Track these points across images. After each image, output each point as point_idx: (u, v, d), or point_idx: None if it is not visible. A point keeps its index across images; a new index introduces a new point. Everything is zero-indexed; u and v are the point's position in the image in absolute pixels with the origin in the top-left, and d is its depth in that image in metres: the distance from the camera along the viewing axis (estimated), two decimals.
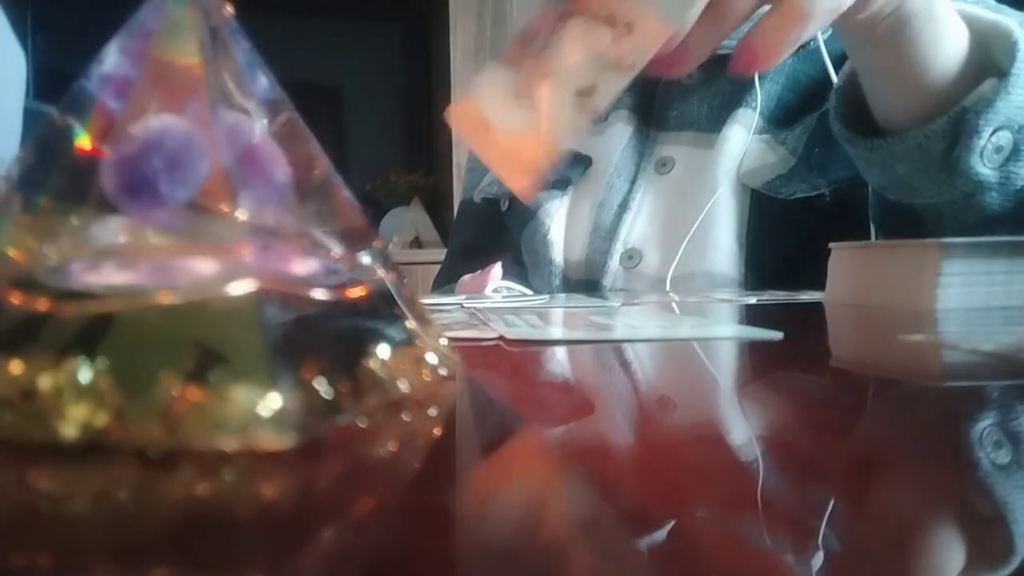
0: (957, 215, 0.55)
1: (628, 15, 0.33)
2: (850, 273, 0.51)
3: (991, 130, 0.49)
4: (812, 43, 0.70)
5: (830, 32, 0.74)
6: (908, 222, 0.60)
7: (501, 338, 0.33)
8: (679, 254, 0.71)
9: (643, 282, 0.75)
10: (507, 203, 0.86)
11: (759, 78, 0.73)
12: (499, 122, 0.33)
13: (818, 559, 0.10)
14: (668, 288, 0.71)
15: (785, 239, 0.70)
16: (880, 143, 0.54)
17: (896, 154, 0.53)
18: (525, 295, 0.68)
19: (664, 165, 0.78)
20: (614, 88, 0.34)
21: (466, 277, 0.80)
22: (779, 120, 0.74)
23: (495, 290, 0.71)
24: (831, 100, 0.59)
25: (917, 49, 0.49)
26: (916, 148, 0.52)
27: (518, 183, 0.33)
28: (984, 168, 0.51)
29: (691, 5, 0.36)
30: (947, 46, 0.50)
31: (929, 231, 0.58)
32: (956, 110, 0.50)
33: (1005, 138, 0.50)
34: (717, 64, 0.78)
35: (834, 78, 0.64)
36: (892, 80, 0.52)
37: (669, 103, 0.80)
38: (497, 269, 0.75)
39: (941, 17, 0.49)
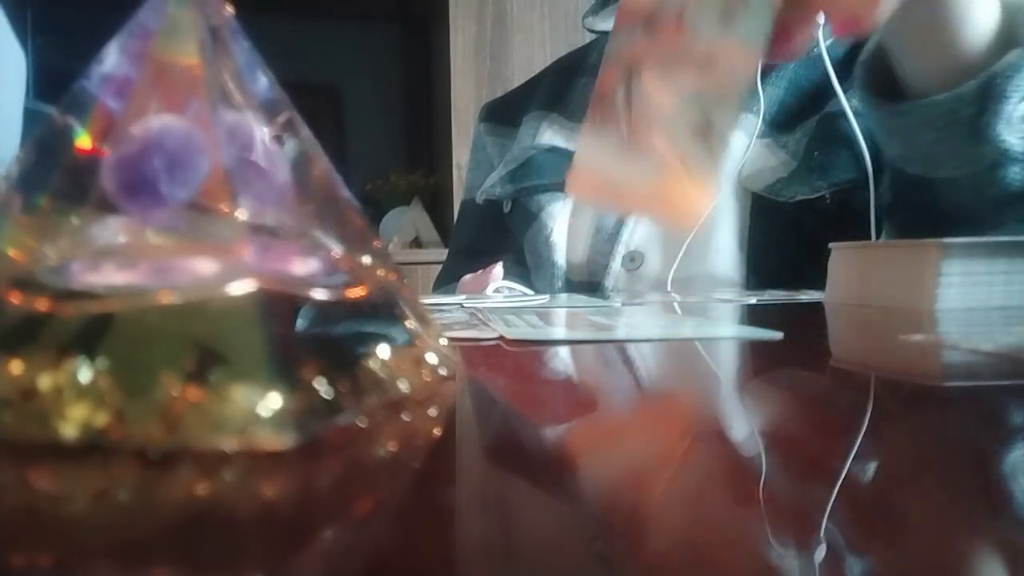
0: (978, 188, 0.55)
1: (705, 53, 0.34)
2: (850, 273, 0.51)
3: (1019, 97, 0.50)
4: (815, 48, 0.70)
5: (830, 40, 0.75)
6: (922, 203, 0.59)
7: (501, 338, 0.33)
8: (680, 256, 0.71)
9: (645, 284, 0.75)
10: (510, 205, 0.86)
11: (761, 83, 0.74)
12: (629, 177, 0.34)
13: (820, 555, 0.10)
14: (669, 291, 0.71)
15: (786, 242, 0.70)
16: (908, 107, 0.54)
17: (925, 118, 0.54)
18: (526, 295, 0.69)
19: None
20: (730, 116, 0.35)
21: (467, 277, 0.80)
22: (780, 124, 0.75)
23: (496, 290, 0.71)
24: (856, 72, 0.60)
25: (953, 12, 0.50)
26: (946, 112, 0.52)
27: (683, 223, 0.35)
28: (1011, 136, 0.51)
29: (764, 21, 0.36)
30: (979, 13, 0.51)
31: (942, 212, 0.58)
32: (986, 75, 0.50)
33: None
34: None
35: (836, 85, 0.64)
36: (926, 44, 0.53)
37: None
38: (498, 269, 0.75)
39: None
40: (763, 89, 0.74)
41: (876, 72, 0.58)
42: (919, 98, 0.54)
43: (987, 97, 0.51)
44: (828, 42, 0.72)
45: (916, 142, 0.56)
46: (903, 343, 0.31)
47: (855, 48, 0.76)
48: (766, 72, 0.76)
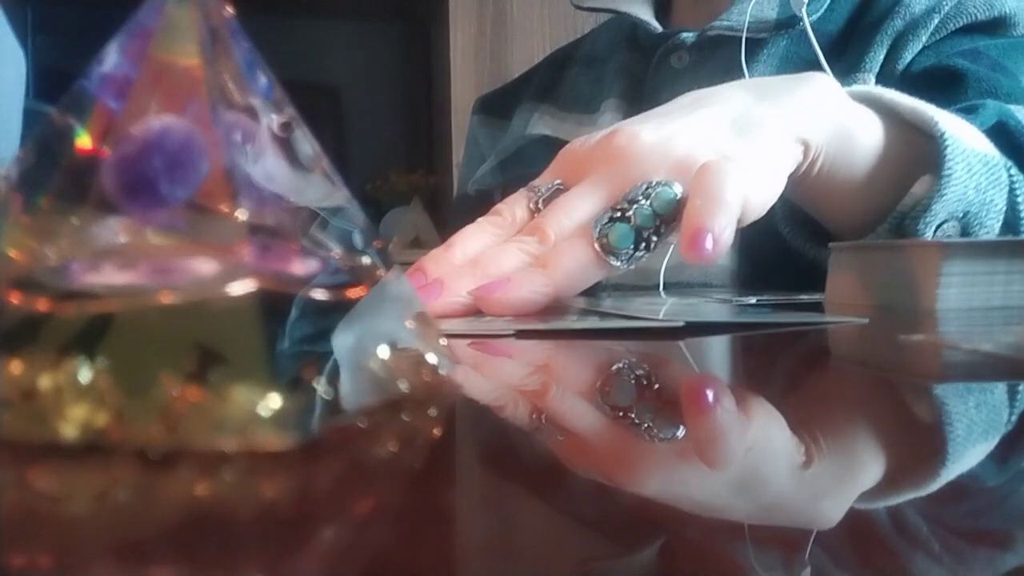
0: None
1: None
2: (850, 273, 0.51)
3: (934, 228, 0.48)
4: (801, 24, 0.70)
5: (821, 13, 0.75)
6: None
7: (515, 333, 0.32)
8: (672, 246, 0.70)
9: (636, 275, 0.75)
10: (500, 195, 0.86)
11: (748, 62, 0.73)
12: None
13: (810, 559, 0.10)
14: (661, 279, 0.70)
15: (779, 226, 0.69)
16: (822, 251, 0.53)
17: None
18: None
19: None
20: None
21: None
22: None
23: None
24: (777, 207, 0.54)
25: (844, 185, 0.50)
26: None
27: None
28: None
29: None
30: (873, 160, 0.49)
31: None
32: (895, 216, 0.49)
33: (952, 227, 0.49)
34: (707, 47, 0.78)
35: (824, 64, 0.63)
36: (827, 209, 0.53)
37: (659, 87, 0.80)
38: None
39: (859, 142, 0.48)
40: (753, 69, 0.74)
41: (798, 209, 0.57)
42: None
43: (902, 235, 0.50)
44: (813, 18, 0.72)
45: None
46: (903, 343, 0.31)
47: (851, 20, 0.76)
48: (756, 50, 0.76)
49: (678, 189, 0.38)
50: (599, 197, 0.39)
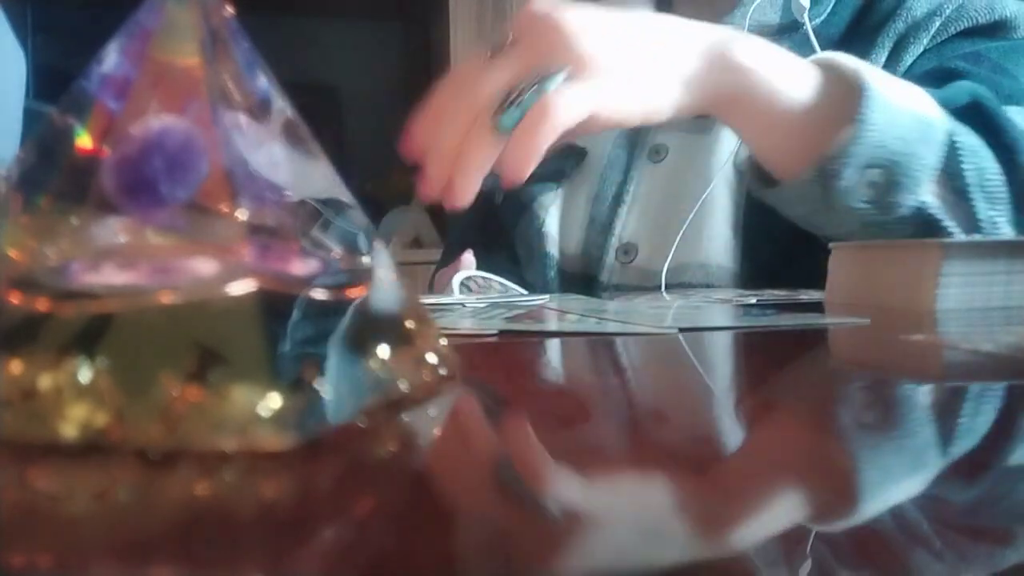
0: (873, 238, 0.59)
1: None
2: (850, 273, 0.51)
3: (857, 170, 0.52)
4: (803, 28, 0.70)
5: (823, 17, 0.75)
6: None
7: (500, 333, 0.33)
8: (674, 247, 0.71)
9: (639, 276, 0.75)
10: (501, 196, 0.86)
11: None
12: None
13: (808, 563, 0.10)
14: (663, 280, 0.70)
15: (781, 227, 0.70)
16: (771, 194, 0.59)
17: (788, 200, 0.58)
18: (504, 286, 0.68)
19: (658, 153, 0.77)
20: None
21: (440, 271, 0.79)
22: None
23: (465, 280, 0.69)
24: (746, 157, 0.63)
25: (769, 131, 0.55)
26: (798, 196, 0.56)
27: None
28: (861, 204, 0.54)
29: None
30: (801, 111, 0.54)
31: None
32: (819, 159, 0.53)
33: (876, 174, 0.53)
34: None
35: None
36: (758, 143, 0.58)
37: None
38: (468, 257, 0.75)
39: (780, 94, 0.53)
40: None
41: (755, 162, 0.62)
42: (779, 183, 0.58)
43: (825, 179, 0.53)
44: (816, 22, 0.72)
45: (795, 215, 0.60)
46: (903, 343, 0.31)
47: (853, 24, 0.76)
48: None
49: (559, 80, 0.46)
50: (510, 71, 0.48)
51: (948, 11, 0.71)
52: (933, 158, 0.52)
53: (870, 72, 0.53)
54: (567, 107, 0.46)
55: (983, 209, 0.54)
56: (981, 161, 0.54)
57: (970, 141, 0.54)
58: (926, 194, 0.53)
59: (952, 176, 0.54)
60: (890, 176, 0.52)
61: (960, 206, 0.54)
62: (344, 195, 0.21)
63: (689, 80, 0.51)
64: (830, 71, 0.54)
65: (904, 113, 0.52)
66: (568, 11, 0.49)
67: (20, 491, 0.13)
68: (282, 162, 0.20)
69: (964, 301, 0.42)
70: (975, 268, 0.43)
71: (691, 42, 0.52)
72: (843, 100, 0.52)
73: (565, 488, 0.14)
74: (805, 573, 0.10)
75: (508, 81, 0.47)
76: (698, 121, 0.74)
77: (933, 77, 0.69)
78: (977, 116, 0.57)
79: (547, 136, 0.45)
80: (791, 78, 0.54)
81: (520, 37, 0.50)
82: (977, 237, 0.52)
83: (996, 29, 0.72)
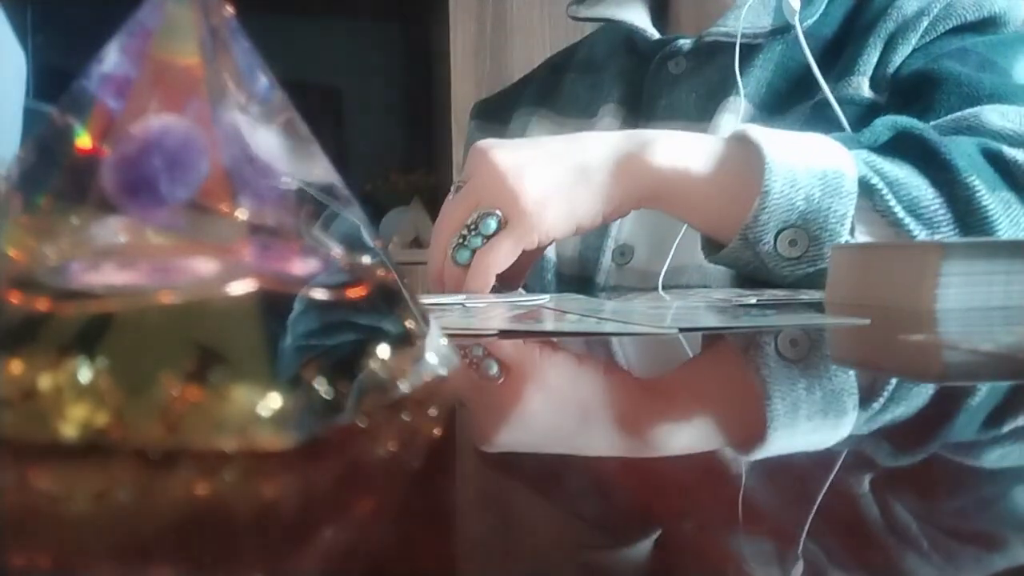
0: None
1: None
2: (850, 273, 0.51)
3: (772, 235, 0.56)
4: (793, 31, 0.71)
5: (815, 18, 0.75)
6: None
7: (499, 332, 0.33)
8: (672, 250, 0.71)
9: (636, 278, 0.75)
10: None
11: (744, 67, 0.74)
12: None
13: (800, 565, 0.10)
14: (661, 283, 0.70)
15: None
16: (713, 258, 0.63)
17: (730, 263, 0.62)
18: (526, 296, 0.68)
19: None
20: None
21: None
22: (770, 107, 0.75)
23: None
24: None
25: (692, 212, 0.61)
26: (732, 261, 0.61)
27: None
28: (786, 263, 0.58)
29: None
30: (712, 188, 0.59)
31: None
32: (741, 230, 0.57)
33: (796, 233, 0.57)
34: (704, 52, 0.78)
35: (814, 68, 0.68)
36: (690, 221, 0.63)
37: (657, 92, 0.80)
38: None
39: (697, 186, 0.58)
40: (749, 72, 0.75)
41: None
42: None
43: (750, 245, 0.57)
44: (808, 23, 0.73)
45: (743, 273, 0.64)
46: (903, 343, 0.31)
47: (845, 24, 0.76)
48: (752, 55, 0.76)
49: (494, 224, 0.58)
50: (463, 209, 0.60)
51: (936, 10, 0.71)
52: (845, 208, 0.55)
53: (774, 142, 0.56)
54: (496, 257, 0.57)
55: (924, 236, 0.56)
56: (911, 191, 0.56)
57: (894, 174, 0.57)
58: (858, 237, 0.56)
59: (884, 213, 0.56)
60: (808, 233, 0.56)
61: (902, 237, 0.56)
62: (344, 193, 0.21)
63: (610, 191, 0.59)
64: (742, 146, 0.58)
65: (808, 174, 0.55)
66: (501, 150, 0.59)
67: (20, 491, 0.13)
68: (282, 161, 0.20)
69: (964, 301, 0.42)
70: (975, 268, 0.43)
71: (609, 155, 0.59)
72: (752, 173, 0.56)
73: (565, 488, 0.14)
74: (798, 574, 0.10)
75: (461, 220, 0.59)
76: (694, 126, 0.75)
77: (914, 80, 0.70)
78: (908, 145, 0.59)
79: (488, 277, 0.57)
80: (705, 163, 0.59)
81: (470, 173, 0.60)
82: (977, 237, 0.52)
83: (986, 25, 0.72)
